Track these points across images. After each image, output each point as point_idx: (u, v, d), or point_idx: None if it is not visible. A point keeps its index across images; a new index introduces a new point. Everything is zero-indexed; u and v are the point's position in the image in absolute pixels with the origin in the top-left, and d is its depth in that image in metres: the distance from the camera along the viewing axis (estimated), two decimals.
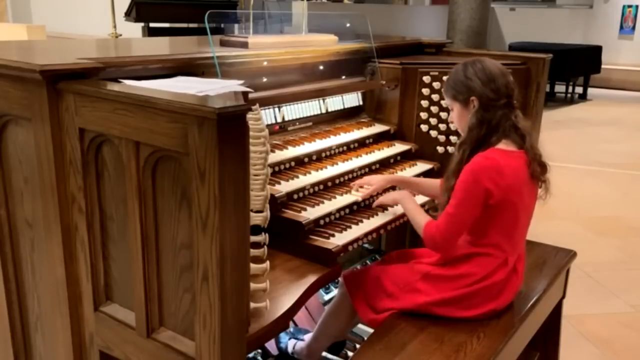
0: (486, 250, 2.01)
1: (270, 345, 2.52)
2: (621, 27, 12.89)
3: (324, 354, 2.52)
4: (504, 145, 1.99)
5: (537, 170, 2.01)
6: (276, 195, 2.04)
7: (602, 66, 11.46)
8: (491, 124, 1.99)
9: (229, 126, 1.29)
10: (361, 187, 2.36)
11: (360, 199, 2.29)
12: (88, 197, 1.64)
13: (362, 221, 2.20)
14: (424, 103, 2.85)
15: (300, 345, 2.45)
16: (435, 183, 2.36)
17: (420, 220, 2.07)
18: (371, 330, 2.13)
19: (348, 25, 3.12)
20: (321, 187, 2.30)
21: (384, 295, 2.09)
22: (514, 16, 13.84)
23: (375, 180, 2.36)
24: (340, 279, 2.26)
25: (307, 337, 2.44)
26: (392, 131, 2.87)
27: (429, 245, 2.04)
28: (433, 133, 2.88)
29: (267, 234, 1.69)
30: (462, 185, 1.95)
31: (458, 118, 2.10)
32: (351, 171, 2.46)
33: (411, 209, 2.17)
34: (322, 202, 2.19)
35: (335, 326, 2.31)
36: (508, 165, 1.95)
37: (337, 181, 2.39)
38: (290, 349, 2.48)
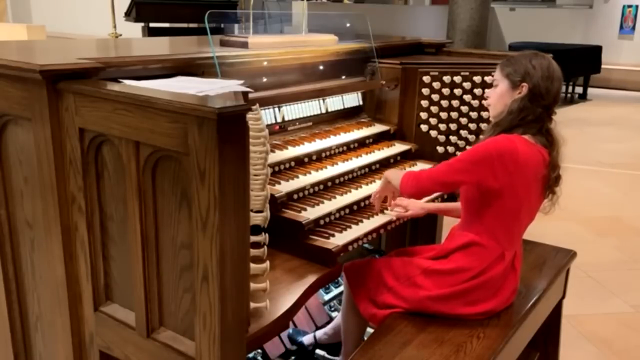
0: (482, 239, 2.01)
1: (276, 345, 2.52)
2: (621, 27, 12.89)
3: (323, 353, 2.53)
4: (529, 138, 2.00)
5: (553, 180, 2.02)
6: (276, 195, 2.04)
7: (602, 66, 11.45)
8: (526, 118, 2.00)
9: (229, 126, 1.29)
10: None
11: (394, 218, 2.28)
12: (88, 197, 1.65)
13: (362, 221, 2.20)
14: (424, 103, 2.85)
15: (321, 331, 2.54)
16: None
17: (401, 171, 2.16)
18: (371, 330, 2.14)
19: (348, 25, 3.12)
20: (321, 187, 2.30)
21: (385, 289, 2.09)
22: (514, 16, 13.84)
23: (412, 206, 2.33)
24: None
25: (332, 323, 2.53)
26: (392, 131, 2.87)
27: (409, 182, 2.08)
28: (433, 133, 2.88)
29: (267, 234, 1.69)
30: (476, 150, 1.99)
31: (498, 96, 2.09)
32: (351, 171, 2.46)
33: (391, 171, 2.26)
34: (322, 202, 2.19)
35: (354, 320, 2.30)
36: (525, 154, 1.95)
37: (337, 181, 2.39)
38: (308, 342, 2.54)
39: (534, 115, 2.00)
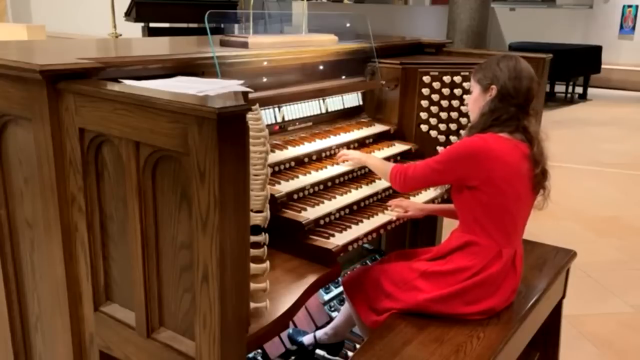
0: (479, 238, 2.03)
1: (276, 345, 2.52)
2: (621, 27, 12.88)
3: (323, 353, 2.53)
4: (505, 135, 2.04)
5: (539, 175, 2.03)
6: (276, 195, 2.04)
7: (602, 66, 11.45)
8: (500, 118, 2.05)
9: (229, 126, 1.29)
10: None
11: (394, 218, 2.30)
12: (88, 197, 1.64)
13: (362, 221, 2.20)
14: (424, 103, 2.85)
15: (321, 331, 2.52)
16: None
17: (387, 165, 2.29)
18: None
19: (348, 25, 3.12)
20: (321, 187, 2.30)
21: (383, 296, 2.10)
22: (514, 16, 13.83)
23: (412, 208, 2.37)
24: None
25: (332, 323, 2.53)
26: (392, 131, 2.87)
27: (397, 180, 2.19)
28: (433, 133, 2.88)
29: (267, 234, 1.69)
30: (451, 150, 2.08)
31: (473, 101, 2.18)
32: (351, 171, 2.46)
33: (375, 161, 2.39)
34: (322, 202, 2.19)
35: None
36: (499, 150, 1.99)
37: (337, 181, 2.39)
38: (308, 342, 2.53)
39: (508, 114, 2.05)
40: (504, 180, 1.99)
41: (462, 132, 2.87)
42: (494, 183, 1.99)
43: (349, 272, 2.89)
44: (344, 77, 2.85)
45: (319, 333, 2.54)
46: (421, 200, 2.48)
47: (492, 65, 2.12)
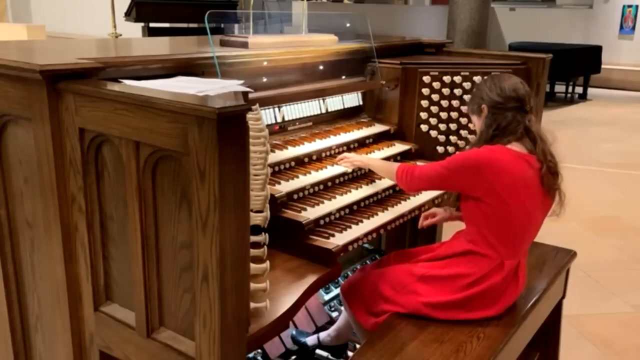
0: (481, 249, 2.02)
1: (276, 345, 2.52)
2: (621, 27, 12.88)
3: (325, 354, 2.53)
4: (514, 147, 2.03)
5: (548, 177, 2.01)
6: (276, 195, 2.04)
7: (602, 66, 11.45)
8: (500, 126, 2.06)
9: (228, 126, 1.29)
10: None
11: (424, 227, 2.38)
12: (88, 197, 1.65)
13: (362, 221, 2.20)
14: (424, 103, 2.85)
15: (324, 333, 2.52)
16: None
17: (392, 165, 2.29)
18: None
19: (348, 25, 3.12)
20: (321, 187, 2.30)
21: (382, 300, 2.10)
22: (514, 16, 13.83)
23: (440, 213, 2.38)
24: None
25: (334, 325, 2.53)
26: (392, 131, 2.87)
27: (403, 179, 2.18)
28: (433, 133, 2.88)
29: (267, 234, 1.69)
30: (457, 159, 2.07)
31: (479, 130, 2.19)
32: (351, 171, 2.46)
33: (378, 163, 2.40)
34: (322, 202, 2.19)
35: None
36: (504, 161, 1.98)
37: (337, 181, 2.39)
38: (311, 342, 2.53)
39: (506, 120, 2.06)
40: (507, 191, 1.96)
41: (462, 132, 2.88)
42: (497, 194, 1.96)
43: (347, 277, 2.90)
44: (344, 77, 2.85)
45: (322, 335, 2.54)
46: (422, 200, 2.48)
47: (475, 92, 2.19)
